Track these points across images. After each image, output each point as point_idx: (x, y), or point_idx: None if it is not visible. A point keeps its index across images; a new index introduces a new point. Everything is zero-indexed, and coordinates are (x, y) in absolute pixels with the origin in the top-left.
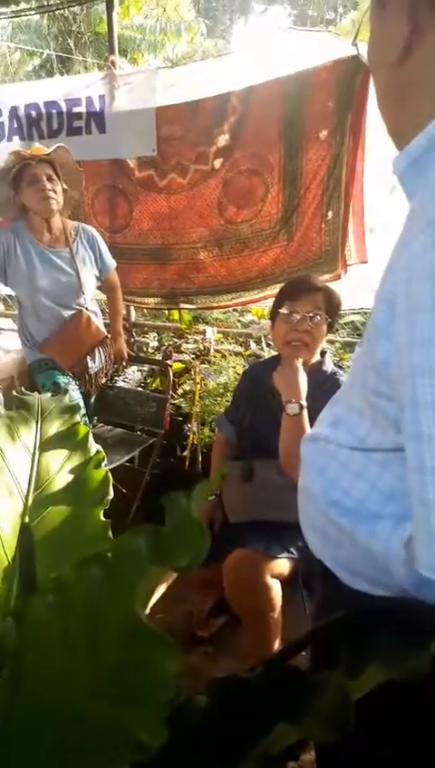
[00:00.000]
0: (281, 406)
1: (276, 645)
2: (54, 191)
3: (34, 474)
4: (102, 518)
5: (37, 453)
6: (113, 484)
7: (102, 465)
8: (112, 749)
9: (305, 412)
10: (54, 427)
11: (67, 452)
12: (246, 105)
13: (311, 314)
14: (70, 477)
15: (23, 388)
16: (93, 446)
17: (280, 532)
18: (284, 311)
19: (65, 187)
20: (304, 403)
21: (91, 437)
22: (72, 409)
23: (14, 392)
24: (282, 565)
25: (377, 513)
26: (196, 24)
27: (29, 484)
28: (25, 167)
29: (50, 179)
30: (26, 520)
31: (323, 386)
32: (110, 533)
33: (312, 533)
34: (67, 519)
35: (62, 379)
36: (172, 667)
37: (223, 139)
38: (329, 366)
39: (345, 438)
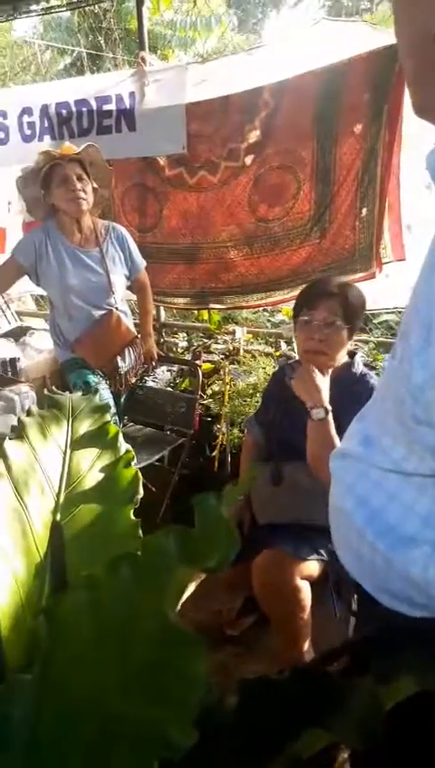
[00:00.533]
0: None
1: (306, 646)
2: (84, 191)
3: (66, 472)
4: (132, 517)
5: (68, 451)
6: (142, 483)
7: (132, 464)
8: (142, 748)
9: (331, 416)
10: (85, 426)
11: (98, 451)
12: (278, 99)
13: (327, 322)
14: (100, 476)
15: (54, 387)
16: (123, 446)
17: (309, 534)
18: (301, 318)
19: (95, 185)
20: (328, 407)
21: (121, 437)
22: (103, 409)
23: (45, 391)
24: (311, 567)
25: (413, 538)
26: (227, 17)
27: (60, 482)
28: (55, 166)
29: (80, 179)
30: (57, 518)
31: (353, 388)
32: (140, 533)
33: (346, 553)
34: (97, 517)
35: (92, 379)
36: (202, 668)
37: (254, 135)
38: (359, 367)
39: (379, 459)
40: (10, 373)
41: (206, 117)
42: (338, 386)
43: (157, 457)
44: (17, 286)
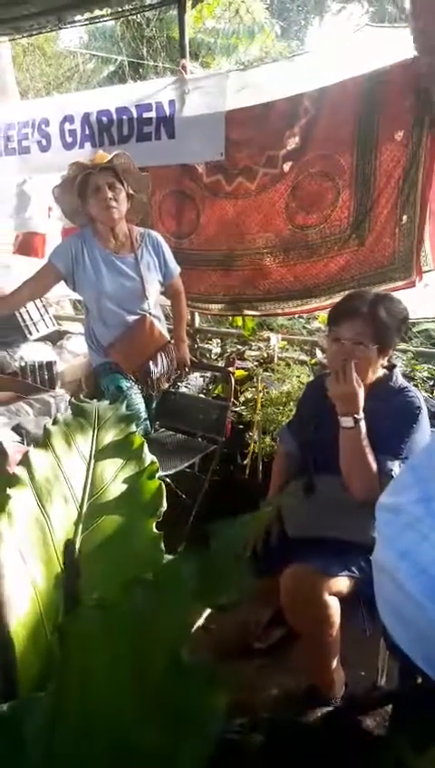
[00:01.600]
0: None
1: (334, 664)
2: (116, 200)
3: (89, 482)
4: (155, 530)
5: (92, 461)
6: (173, 489)
7: (156, 476)
8: None
9: (363, 426)
10: (110, 436)
11: (122, 461)
12: (319, 107)
13: (355, 342)
14: (124, 487)
15: (86, 392)
16: (148, 457)
17: (340, 549)
18: (330, 333)
19: (131, 192)
20: (359, 416)
21: (145, 448)
22: (129, 419)
23: (81, 396)
24: (341, 583)
25: None
26: (269, 25)
27: (83, 492)
28: (89, 176)
29: (112, 188)
30: (80, 528)
31: (391, 402)
32: (162, 545)
33: (391, 617)
34: (120, 529)
35: (124, 383)
36: (219, 704)
37: (293, 142)
38: (398, 380)
39: None
40: (47, 376)
41: (245, 124)
42: (374, 399)
43: (187, 464)
44: (55, 290)
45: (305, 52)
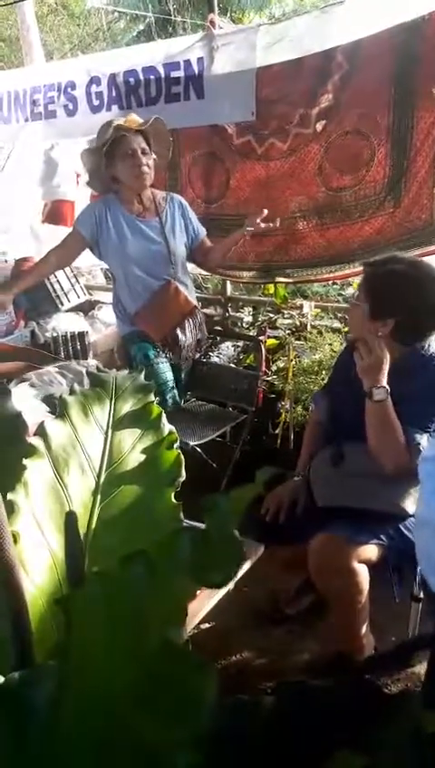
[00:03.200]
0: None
1: (364, 630)
2: (148, 165)
3: (107, 452)
4: (173, 500)
5: (110, 431)
6: (203, 459)
7: (175, 446)
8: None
9: (389, 399)
10: (128, 406)
11: (140, 431)
12: (353, 61)
13: (354, 298)
14: (142, 457)
15: (118, 361)
16: (166, 427)
17: (369, 518)
18: None
19: (155, 157)
20: (387, 387)
21: (164, 417)
22: (147, 388)
23: (116, 366)
24: (369, 551)
25: None
26: None
27: (101, 462)
28: (120, 138)
29: (144, 153)
30: (98, 498)
31: (417, 376)
32: (181, 515)
33: (429, 568)
34: (138, 499)
35: (152, 352)
36: (208, 691)
37: (326, 99)
38: (431, 349)
39: None
40: (79, 347)
41: (276, 81)
42: (399, 374)
43: (218, 433)
44: (86, 260)
45: (340, 1)
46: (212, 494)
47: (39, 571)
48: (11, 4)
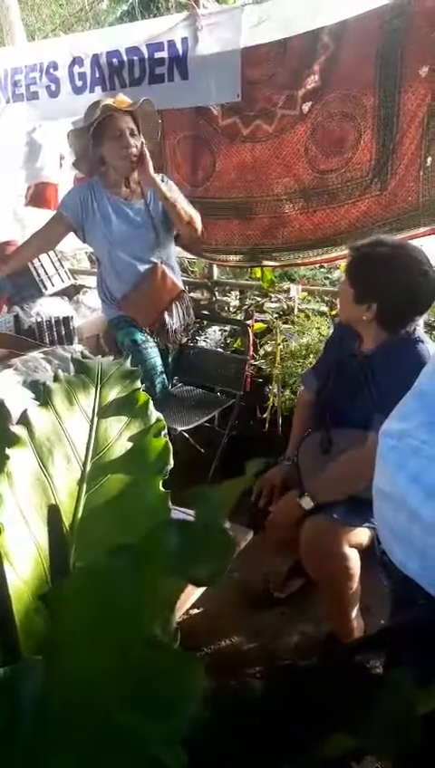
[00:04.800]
0: (364, 370)
1: (354, 613)
2: (136, 147)
3: (92, 440)
4: (162, 488)
5: (96, 419)
6: (192, 444)
7: (162, 433)
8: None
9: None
10: (114, 393)
11: (126, 419)
12: (339, 42)
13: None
14: (129, 445)
15: (105, 346)
16: (154, 414)
17: (361, 501)
18: None
19: (142, 140)
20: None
21: (151, 404)
22: (133, 375)
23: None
24: (361, 535)
25: None
26: None
27: (87, 450)
28: (108, 118)
29: (132, 134)
30: (84, 487)
31: (397, 362)
32: (169, 504)
33: (395, 541)
34: (125, 488)
35: (139, 336)
36: (193, 687)
37: (312, 81)
38: (415, 334)
39: None
40: (64, 332)
41: (262, 62)
42: (379, 361)
43: (206, 418)
44: (70, 243)
45: None
46: (202, 486)
47: (24, 563)
48: None
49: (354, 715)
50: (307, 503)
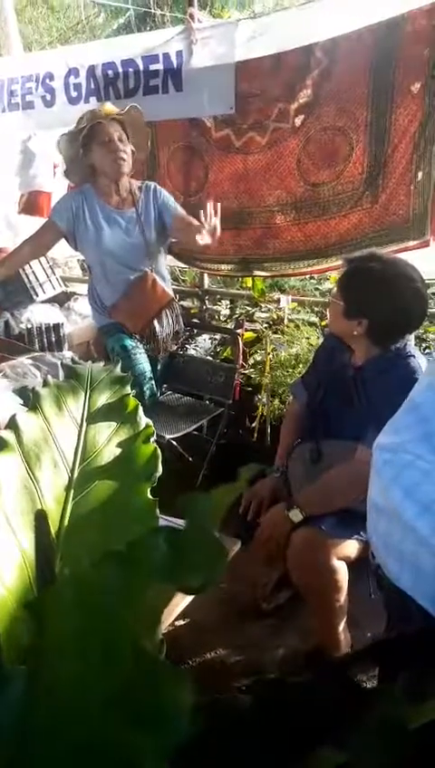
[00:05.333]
0: (355, 383)
1: (341, 627)
2: (126, 153)
3: (81, 446)
4: (150, 495)
5: (84, 424)
6: (180, 452)
7: (151, 440)
8: None
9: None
10: (103, 398)
11: (115, 425)
12: (332, 57)
13: (333, 294)
14: (117, 451)
15: (96, 353)
16: (143, 420)
17: (350, 514)
18: None
19: (133, 149)
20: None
21: (140, 410)
22: (123, 380)
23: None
24: (349, 547)
25: None
26: None
27: (75, 456)
28: (97, 126)
29: (121, 140)
30: (71, 493)
31: (388, 378)
32: (157, 512)
33: (388, 554)
34: (113, 495)
35: (129, 343)
36: (181, 702)
37: (305, 95)
38: (406, 349)
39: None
40: (54, 338)
41: (255, 76)
42: (375, 370)
43: (195, 427)
44: (62, 251)
45: None
46: (192, 493)
47: (9, 570)
48: None
49: (344, 729)
50: (296, 515)
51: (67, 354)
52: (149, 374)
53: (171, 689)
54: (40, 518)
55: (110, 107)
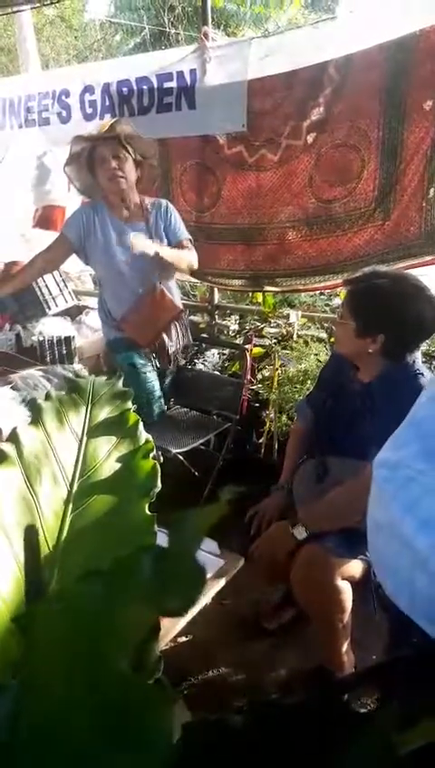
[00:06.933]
0: (362, 400)
1: (345, 647)
2: (122, 169)
3: (80, 460)
4: (148, 512)
5: (85, 438)
6: (186, 467)
7: (151, 455)
8: None
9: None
10: (104, 413)
11: (115, 439)
12: (344, 75)
13: (339, 315)
14: (117, 466)
15: (105, 367)
16: (143, 435)
17: (353, 533)
18: None
19: (139, 158)
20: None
21: (141, 426)
22: (124, 395)
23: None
24: (354, 567)
25: None
26: None
27: (74, 470)
28: (95, 148)
29: (116, 158)
30: (70, 508)
31: (397, 395)
32: (154, 528)
33: (387, 573)
34: (111, 510)
35: (138, 360)
36: (166, 720)
37: (317, 112)
38: (415, 366)
39: None
40: (64, 351)
41: (268, 93)
42: (386, 385)
43: (201, 441)
44: (75, 265)
45: (331, 17)
46: (183, 511)
47: (5, 582)
48: (9, 13)
49: (335, 754)
50: (300, 532)
51: (77, 367)
52: (158, 392)
53: (156, 711)
54: (29, 533)
55: (103, 125)
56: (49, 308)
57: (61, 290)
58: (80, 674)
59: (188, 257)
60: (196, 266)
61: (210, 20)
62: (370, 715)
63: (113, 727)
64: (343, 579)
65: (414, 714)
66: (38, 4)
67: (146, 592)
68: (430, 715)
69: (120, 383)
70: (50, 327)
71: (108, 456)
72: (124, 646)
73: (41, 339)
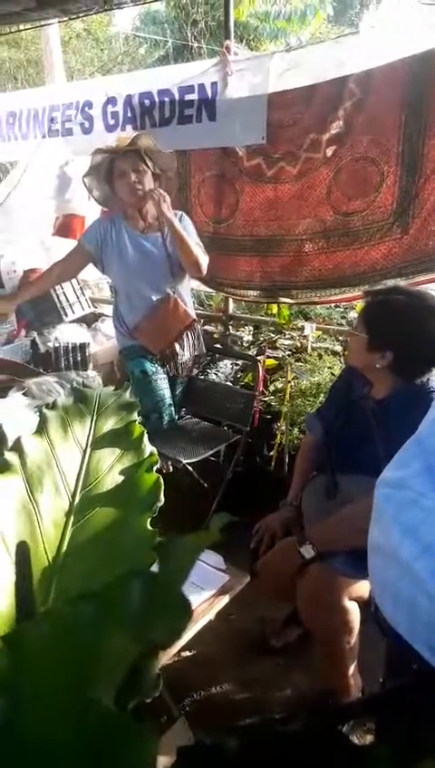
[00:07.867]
0: (375, 417)
1: (351, 670)
2: (141, 182)
3: (83, 471)
4: (149, 526)
5: (89, 450)
6: (195, 478)
7: (154, 468)
8: None
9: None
10: (110, 424)
11: (120, 451)
12: (365, 89)
13: (352, 327)
14: (120, 479)
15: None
16: (147, 448)
17: (362, 553)
18: None
19: (158, 171)
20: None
21: (146, 438)
22: (130, 406)
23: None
24: (362, 587)
25: None
26: (322, 9)
27: (77, 482)
28: (114, 160)
29: (136, 170)
30: (71, 519)
31: (412, 406)
32: (156, 542)
33: (386, 596)
34: (112, 524)
35: (150, 368)
36: (147, 755)
37: (337, 126)
38: (430, 383)
39: None
40: (79, 358)
41: (288, 107)
42: (397, 404)
43: (212, 452)
44: (93, 273)
45: (353, 32)
46: (172, 536)
47: (2, 593)
48: (38, 27)
49: None
50: (308, 551)
51: (91, 374)
52: (168, 400)
53: (136, 746)
54: (21, 551)
55: (123, 138)
56: (66, 315)
57: (78, 297)
58: (66, 699)
59: (196, 250)
60: (204, 267)
61: (232, 34)
62: (368, 750)
63: (94, 754)
64: (351, 599)
65: (413, 752)
66: (66, 18)
67: (133, 623)
68: (430, 756)
69: (127, 394)
70: (66, 333)
71: (111, 469)
72: (110, 674)
73: (56, 345)
